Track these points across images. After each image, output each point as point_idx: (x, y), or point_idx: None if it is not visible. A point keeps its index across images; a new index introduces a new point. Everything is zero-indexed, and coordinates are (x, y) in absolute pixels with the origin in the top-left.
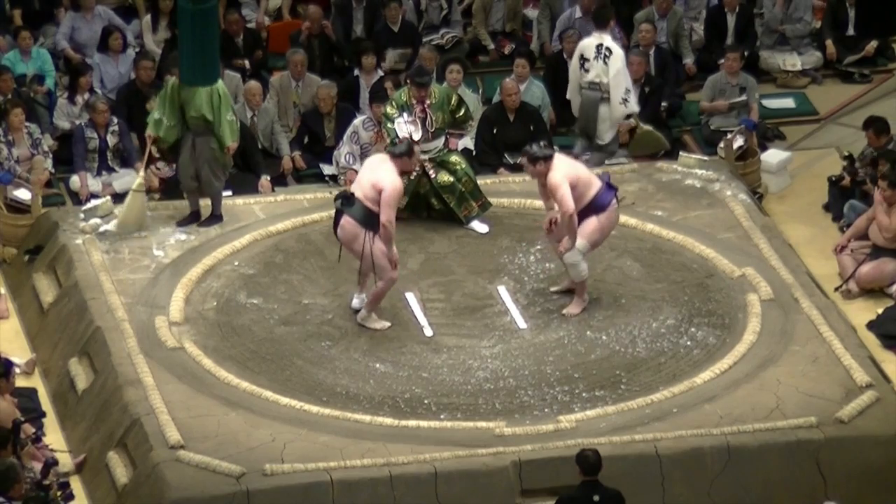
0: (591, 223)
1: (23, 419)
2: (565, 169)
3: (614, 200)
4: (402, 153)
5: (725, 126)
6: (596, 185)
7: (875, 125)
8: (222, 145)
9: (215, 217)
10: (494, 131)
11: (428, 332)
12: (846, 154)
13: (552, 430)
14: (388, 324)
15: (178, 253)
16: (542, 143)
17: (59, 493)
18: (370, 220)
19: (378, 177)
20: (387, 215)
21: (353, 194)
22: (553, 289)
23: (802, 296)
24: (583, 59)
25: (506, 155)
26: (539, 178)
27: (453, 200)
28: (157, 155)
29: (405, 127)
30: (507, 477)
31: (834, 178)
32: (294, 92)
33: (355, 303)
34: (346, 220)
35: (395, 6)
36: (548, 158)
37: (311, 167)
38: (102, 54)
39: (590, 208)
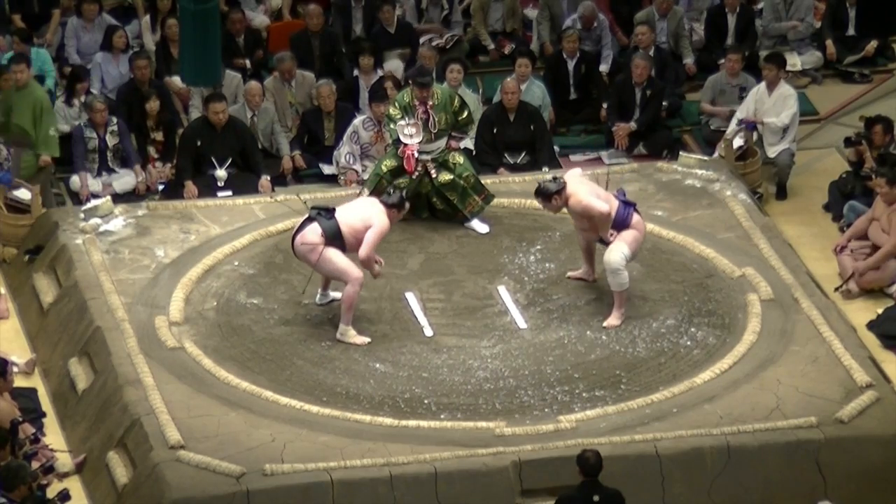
0: (630, 233)
1: (21, 419)
2: (584, 188)
3: (635, 214)
4: (393, 204)
5: (726, 126)
6: (614, 203)
7: (885, 122)
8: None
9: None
10: (494, 131)
11: (428, 332)
12: (866, 117)
13: (552, 430)
14: (368, 339)
15: (178, 253)
16: (548, 178)
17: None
18: (336, 239)
19: (369, 213)
20: (366, 252)
21: (333, 209)
22: (570, 274)
23: (802, 296)
24: None
25: (506, 155)
26: (559, 211)
27: (456, 197)
28: (155, 155)
29: (406, 130)
30: (507, 477)
31: (852, 139)
32: (288, 92)
33: (318, 298)
34: (310, 228)
35: (388, 9)
36: (561, 190)
37: (311, 167)
38: (105, 53)
39: (612, 225)
